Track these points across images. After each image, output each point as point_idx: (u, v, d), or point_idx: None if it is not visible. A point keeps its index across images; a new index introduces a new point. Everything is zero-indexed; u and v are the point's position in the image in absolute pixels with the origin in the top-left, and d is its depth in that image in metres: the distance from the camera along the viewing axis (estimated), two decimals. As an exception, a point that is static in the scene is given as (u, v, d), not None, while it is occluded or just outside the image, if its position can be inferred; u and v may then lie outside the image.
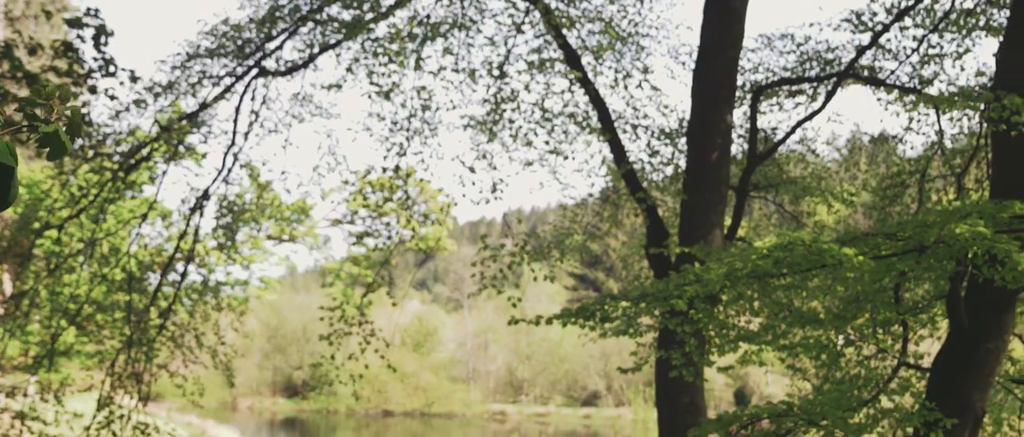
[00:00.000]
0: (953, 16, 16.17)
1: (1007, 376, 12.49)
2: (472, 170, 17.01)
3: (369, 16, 16.71)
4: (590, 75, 16.89)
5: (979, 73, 16.43)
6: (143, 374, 15.36)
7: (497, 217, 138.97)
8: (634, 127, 17.51)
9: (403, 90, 17.10)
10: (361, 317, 17.56)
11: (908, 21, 16.55)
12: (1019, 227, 9.33)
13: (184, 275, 16.89)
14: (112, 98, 13.58)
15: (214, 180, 17.45)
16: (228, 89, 17.38)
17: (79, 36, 12.22)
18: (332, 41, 17.46)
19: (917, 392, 12.42)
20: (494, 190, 16.88)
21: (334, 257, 33.42)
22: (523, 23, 17.04)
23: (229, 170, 17.47)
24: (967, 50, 16.27)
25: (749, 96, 17.01)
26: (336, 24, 17.36)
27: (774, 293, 10.96)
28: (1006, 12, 15.02)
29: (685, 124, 17.30)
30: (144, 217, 17.48)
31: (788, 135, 16.80)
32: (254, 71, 17.58)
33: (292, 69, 17.72)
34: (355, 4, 16.98)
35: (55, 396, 15.17)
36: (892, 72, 16.57)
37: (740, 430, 9.64)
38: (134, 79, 13.04)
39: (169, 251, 18.24)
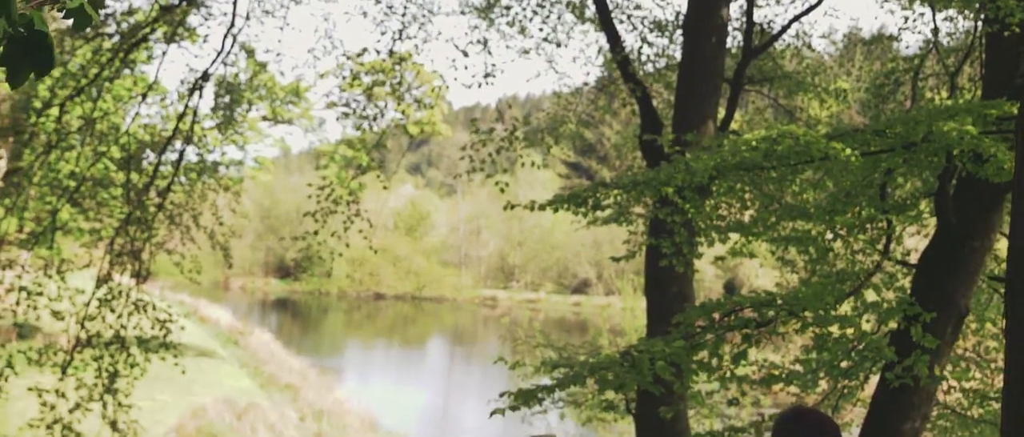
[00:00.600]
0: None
1: (991, 274, 12.65)
2: (465, 54, 17.05)
3: None
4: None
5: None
6: (141, 252, 15.55)
7: (492, 103, 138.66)
8: (629, 17, 17.52)
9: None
10: (349, 196, 17.61)
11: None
12: (1007, 127, 9.44)
13: (182, 154, 16.98)
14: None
15: (213, 61, 17.47)
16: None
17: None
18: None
19: (902, 288, 12.61)
20: (487, 76, 16.92)
21: (329, 139, 33.51)
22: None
23: (228, 52, 17.49)
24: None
25: (746, -12, 16.96)
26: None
27: (764, 185, 11.08)
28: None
29: (681, 17, 17.30)
30: (143, 96, 17.53)
31: (784, 29, 16.77)
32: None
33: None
34: None
35: (58, 272, 15.35)
36: (890, -33, 16.52)
37: (723, 318, 9.83)
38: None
39: (168, 131, 18.29)
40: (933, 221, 12.62)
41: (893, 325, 10.90)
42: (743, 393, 12.44)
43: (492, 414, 9.44)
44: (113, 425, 15.63)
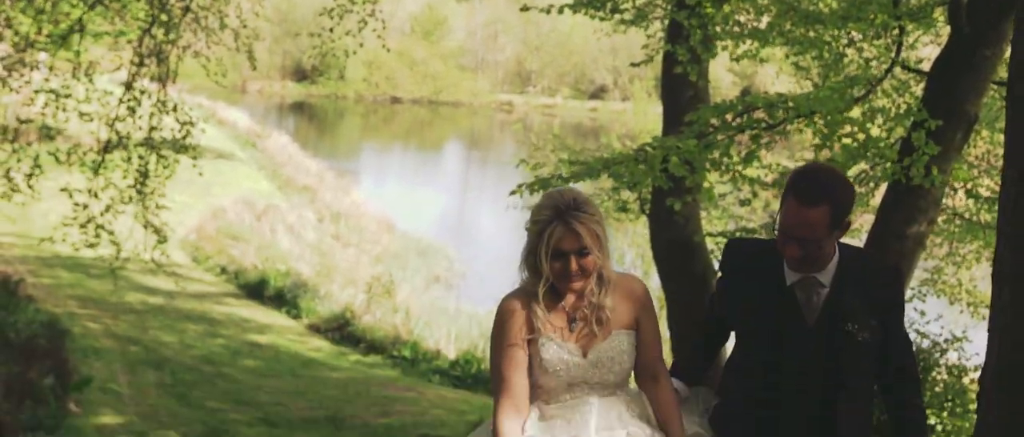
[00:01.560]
0: None
1: (997, 80, 12.82)
2: None
3: None
4: None
5: None
6: (168, 55, 15.68)
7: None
8: None
9: None
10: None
11: None
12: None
13: None
14: None
15: None
16: None
17: None
18: None
19: (913, 95, 12.83)
20: None
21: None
22: None
23: None
24: None
25: None
26: None
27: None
28: None
29: None
30: None
31: None
32: None
33: None
34: None
35: (86, 74, 15.47)
36: None
37: (736, 118, 10.07)
38: None
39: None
40: (947, 29, 12.75)
41: (902, 132, 11.15)
42: (754, 194, 12.75)
43: (512, 193, 9.75)
44: (146, 225, 16.04)
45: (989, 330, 6.15)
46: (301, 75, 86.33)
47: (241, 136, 47.83)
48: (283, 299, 24.94)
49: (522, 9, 11.48)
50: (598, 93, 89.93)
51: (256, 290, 25.61)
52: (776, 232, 4.71)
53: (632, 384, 4.79)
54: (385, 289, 25.55)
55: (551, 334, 4.50)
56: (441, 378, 20.83)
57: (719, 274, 5.22)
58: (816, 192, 4.59)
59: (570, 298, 4.53)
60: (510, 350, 4.51)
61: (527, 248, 4.52)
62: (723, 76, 64.79)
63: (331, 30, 17.14)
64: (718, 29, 11.94)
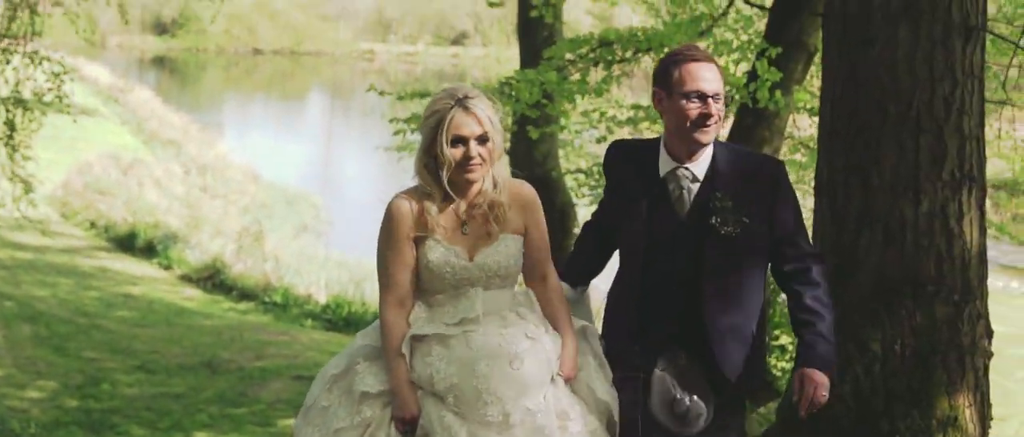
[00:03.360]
0: None
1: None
2: None
3: None
4: None
5: None
6: (37, 5, 15.78)
7: None
8: None
9: None
10: None
11: None
12: None
13: None
14: None
15: None
16: None
17: None
18: None
19: (758, 31, 13.53)
20: None
21: None
22: None
23: None
24: None
25: None
26: None
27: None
28: None
29: None
30: None
31: None
32: None
33: None
34: None
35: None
36: None
37: (590, 51, 10.67)
38: None
39: None
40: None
41: (746, 66, 11.83)
42: (610, 131, 13.37)
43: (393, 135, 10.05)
44: (12, 177, 16.15)
45: (812, 238, 6.86)
46: (161, 29, 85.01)
47: (103, 92, 47.16)
48: (153, 251, 24.97)
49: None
50: (459, 39, 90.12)
51: (126, 243, 25.60)
52: (680, 106, 4.71)
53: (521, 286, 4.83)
54: (254, 238, 25.74)
55: (439, 236, 4.54)
56: (313, 322, 21.08)
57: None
58: (704, 53, 4.82)
59: (462, 204, 4.57)
60: (397, 248, 4.56)
61: (422, 145, 4.53)
62: (582, 19, 65.54)
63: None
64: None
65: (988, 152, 8.19)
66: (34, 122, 15.89)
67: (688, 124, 4.73)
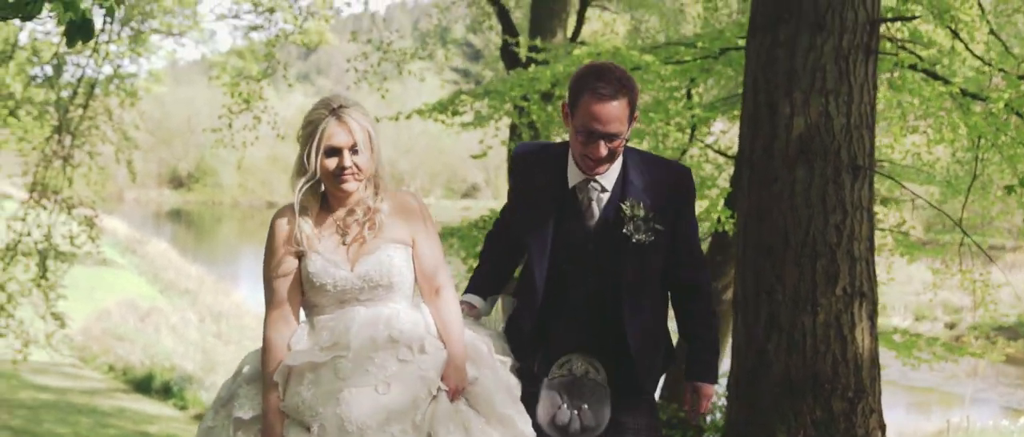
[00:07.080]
0: None
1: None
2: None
3: None
4: None
5: None
6: (71, 158, 17.07)
7: (381, 10, 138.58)
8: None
9: None
10: (243, 105, 18.77)
11: None
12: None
13: (96, 73, 17.95)
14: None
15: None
16: None
17: None
18: None
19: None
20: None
21: (219, 50, 34.38)
22: None
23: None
24: None
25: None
26: None
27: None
28: None
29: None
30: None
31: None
32: None
33: None
34: None
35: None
36: None
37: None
38: None
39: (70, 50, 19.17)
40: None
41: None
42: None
43: None
44: (53, 315, 17.29)
45: (732, 348, 8.15)
46: (177, 183, 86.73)
47: (121, 243, 48.38)
48: (169, 391, 26.06)
49: (377, 119, 13.03)
50: (470, 192, 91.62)
51: (143, 385, 26.70)
52: (575, 134, 4.61)
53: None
54: (267, 380, 26.65)
55: (318, 247, 4.49)
56: (323, 456, 21.97)
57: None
58: (614, 85, 4.53)
59: (341, 212, 4.55)
60: (278, 264, 4.53)
61: (298, 157, 4.51)
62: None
63: (229, 125, 18.22)
64: (543, 128, 13.81)
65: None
66: (66, 264, 17.10)
67: (583, 158, 4.68)
